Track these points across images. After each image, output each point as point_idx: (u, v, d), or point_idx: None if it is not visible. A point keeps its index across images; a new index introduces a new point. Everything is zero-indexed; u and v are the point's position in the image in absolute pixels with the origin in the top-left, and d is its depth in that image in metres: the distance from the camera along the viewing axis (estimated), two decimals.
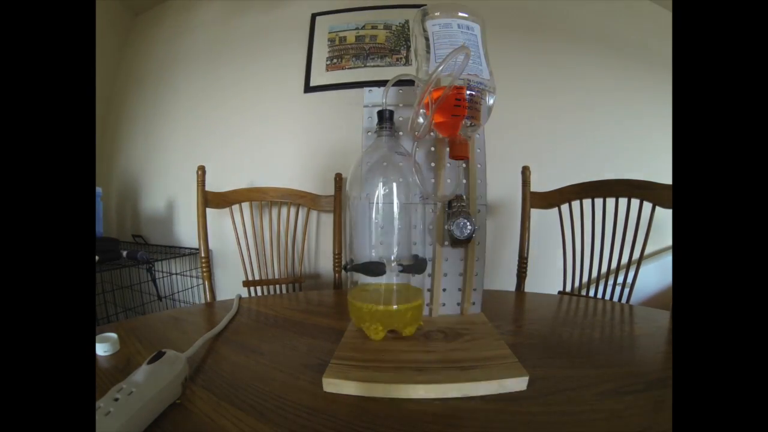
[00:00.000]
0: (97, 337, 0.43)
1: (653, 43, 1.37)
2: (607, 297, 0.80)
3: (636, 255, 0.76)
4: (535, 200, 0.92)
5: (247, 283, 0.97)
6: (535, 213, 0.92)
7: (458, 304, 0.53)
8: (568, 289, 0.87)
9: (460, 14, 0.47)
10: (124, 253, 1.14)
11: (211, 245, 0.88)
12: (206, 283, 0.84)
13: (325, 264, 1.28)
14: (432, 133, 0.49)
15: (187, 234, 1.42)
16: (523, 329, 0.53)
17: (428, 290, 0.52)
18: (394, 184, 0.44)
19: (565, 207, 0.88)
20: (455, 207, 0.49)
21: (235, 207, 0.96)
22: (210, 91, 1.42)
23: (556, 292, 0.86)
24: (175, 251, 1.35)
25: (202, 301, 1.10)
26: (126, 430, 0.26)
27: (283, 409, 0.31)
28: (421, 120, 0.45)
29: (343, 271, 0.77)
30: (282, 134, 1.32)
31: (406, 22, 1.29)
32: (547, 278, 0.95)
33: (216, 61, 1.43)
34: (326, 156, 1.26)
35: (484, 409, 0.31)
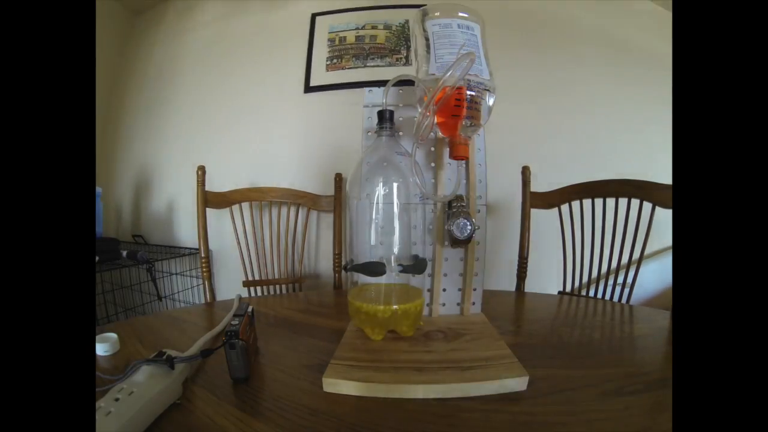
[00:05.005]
0: (97, 337, 0.43)
1: (653, 43, 1.37)
2: (607, 297, 0.80)
3: (636, 255, 0.76)
4: (535, 200, 0.92)
5: (247, 283, 0.97)
6: (535, 213, 0.92)
7: (458, 304, 0.53)
8: (568, 289, 0.87)
9: (460, 14, 0.47)
10: (124, 253, 1.14)
11: (211, 245, 0.88)
12: (206, 283, 0.84)
13: (325, 264, 1.28)
14: (433, 133, 0.49)
15: (187, 234, 1.42)
16: (523, 329, 0.53)
17: (428, 290, 0.52)
18: (394, 184, 0.44)
19: (565, 207, 0.88)
20: (455, 207, 0.49)
21: (235, 207, 0.96)
22: (210, 91, 1.42)
23: (556, 292, 0.86)
24: (175, 251, 1.35)
25: (202, 301, 1.10)
26: (126, 430, 0.26)
27: (283, 409, 0.31)
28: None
29: (343, 271, 0.77)
30: (282, 134, 1.32)
31: (406, 22, 1.29)
32: (547, 278, 0.95)
33: (216, 61, 1.43)
34: (326, 156, 1.25)
35: (484, 409, 0.31)
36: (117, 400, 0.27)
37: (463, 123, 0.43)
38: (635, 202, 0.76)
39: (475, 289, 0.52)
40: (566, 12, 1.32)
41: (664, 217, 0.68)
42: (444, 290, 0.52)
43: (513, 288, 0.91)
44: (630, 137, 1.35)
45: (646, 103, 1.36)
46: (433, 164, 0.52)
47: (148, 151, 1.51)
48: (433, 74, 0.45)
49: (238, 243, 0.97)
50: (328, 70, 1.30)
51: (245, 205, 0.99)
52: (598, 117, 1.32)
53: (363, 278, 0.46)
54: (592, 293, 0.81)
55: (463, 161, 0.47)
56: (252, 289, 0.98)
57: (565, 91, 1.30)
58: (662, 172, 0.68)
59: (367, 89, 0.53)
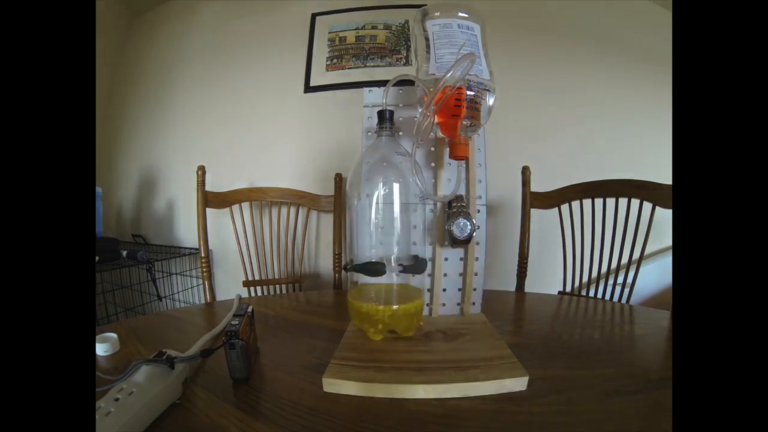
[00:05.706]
0: (97, 337, 0.43)
1: (653, 43, 1.37)
2: (607, 297, 0.80)
3: (636, 255, 0.76)
4: (536, 200, 0.92)
5: (247, 283, 0.97)
6: (535, 213, 0.92)
7: (458, 304, 0.53)
8: (568, 289, 0.87)
9: (460, 14, 0.47)
10: (124, 253, 1.14)
11: (211, 245, 0.88)
12: (206, 283, 0.84)
13: (325, 264, 1.28)
14: (433, 133, 0.49)
15: (187, 234, 1.42)
16: (523, 329, 0.53)
17: (428, 290, 0.52)
18: (394, 184, 0.44)
19: (565, 207, 0.88)
20: (455, 207, 0.49)
21: (235, 207, 0.96)
22: (210, 91, 1.42)
23: (556, 292, 0.86)
24: (175, 251, 1.35)
25: (202, 301, 1.10)
26: (126, 430, 0.26)
27: (283, 409, 0.31)
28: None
29: (343, 271, 0.77)
30: (282, 134, 1.32)
31: (406, 22, 1.29)
32: (547, 278, 0.95)
33: (216, 62, 1.43)
34: (326, 156, 1.25)
35: (484, 409, 0.31)
36: (117, 400, 0.27)
37: (463, 123, 0.43)
38: (635, 202, 0.76)
39: (475, 289, 0.52)
40: (567, 11, 1.32)
41: (664, 217, 0.68)
42: (444, 290, 0.52)
43: (513, 288, 0.91)
44: (630, 137, 1.35)
45: (647, 103, 1.36)
46: (433, 164, 0.52)
47: (148, 151, 1.51)
48: (433, 74, 0.45)
49: (238, 243, 0.97)
50: (328, 70, 1.30)
51: (245, 205, 0.99)
52: (599, 117, 1.32)
53: (363, 278, 0.46)
54: (592, 293, 0.81)
55: (463, 161, 0.47)
56: (252, 289, 0.98)
57: (566, 91, 1.30)
58: (662, 172, 0.68)
59: (367, 89, 0.53)
